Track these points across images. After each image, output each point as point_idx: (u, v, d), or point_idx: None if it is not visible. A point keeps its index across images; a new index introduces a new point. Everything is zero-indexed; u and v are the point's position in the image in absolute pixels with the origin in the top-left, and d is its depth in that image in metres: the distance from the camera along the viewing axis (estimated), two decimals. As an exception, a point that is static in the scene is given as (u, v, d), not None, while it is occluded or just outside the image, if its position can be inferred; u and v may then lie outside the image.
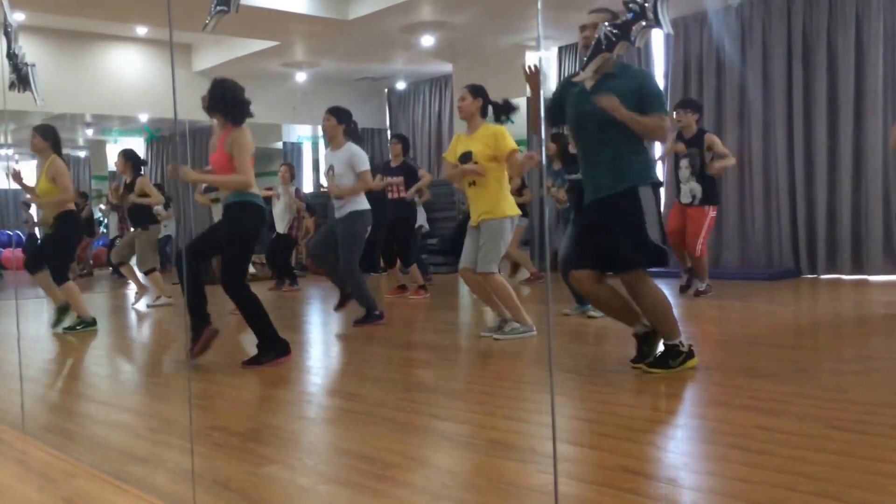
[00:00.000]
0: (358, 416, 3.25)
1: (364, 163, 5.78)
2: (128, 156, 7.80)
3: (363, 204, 5.82)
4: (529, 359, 4.43)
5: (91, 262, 13.68)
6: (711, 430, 2.85)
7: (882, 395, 3.27)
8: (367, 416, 3.23)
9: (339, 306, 6.06)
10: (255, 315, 4.38)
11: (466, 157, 5.04)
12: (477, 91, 5.17)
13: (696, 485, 2.34)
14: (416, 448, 2.80)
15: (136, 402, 3.87)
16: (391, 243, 8.01)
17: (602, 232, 3.76)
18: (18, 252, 15.28)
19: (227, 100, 4.41)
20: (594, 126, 3.75)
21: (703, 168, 6.64)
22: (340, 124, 5.79)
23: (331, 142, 5.88)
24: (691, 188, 6.68)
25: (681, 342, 3.75)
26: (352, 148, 5.80)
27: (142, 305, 7.85)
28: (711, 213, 6.73)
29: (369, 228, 5.95)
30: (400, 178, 7.86)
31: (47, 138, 5.93)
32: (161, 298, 7.77)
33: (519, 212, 5.29)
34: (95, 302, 8.68)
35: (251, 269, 10.15)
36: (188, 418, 2.80)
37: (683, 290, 6.98)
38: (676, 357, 3.73)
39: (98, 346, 5.68)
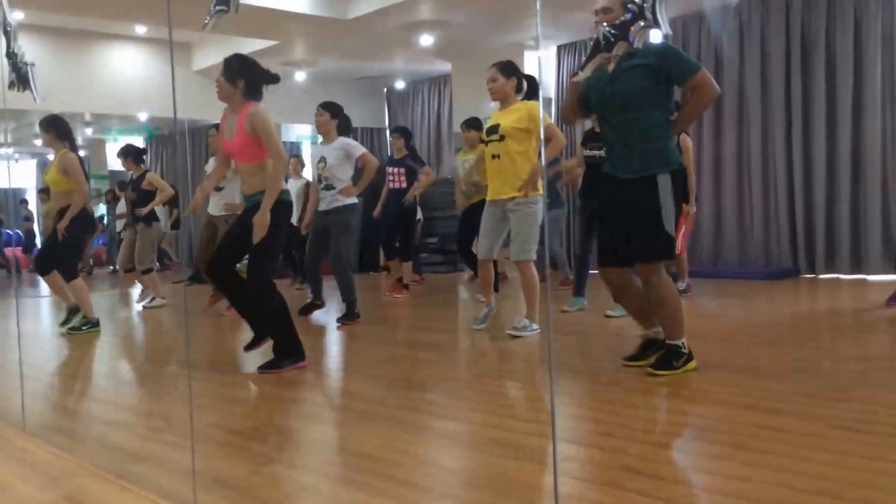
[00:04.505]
0: (359, 415, 3.26)
1: (360, 147, 6.02)
2: (129, 152, 7.78)
3: (354, 197, 5.99)
4: (530, 357, 4.43)
5: (91, 260, 13.67)
6: (711, 429, 2.86)
7: (881, 394, 3.28)
8: (368, 414, 3.24)
9: (306, 311, 6.14)
10: (280, 317, 4.18)
11: (493, 130, 4.97)
12: (510, 70, 4.95)
13: (695, 483, 2.34)
14: (417, 446, 2.80)
15: (137, 400, 3.88)
16: (392, 235, 7.99)
17: (616, 215, 3.77)
18: (18, 251, 15.31)
19: (247, 71, 4.12)
20: (617, 110, 3.73)
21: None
22: (334, 119, 5.91)
23: (324, 137, 5.97)
24: None
25: (683, 343, 3.74)
26: (344, 139, 5.94)
27: (144, 304, 7.83)
28: (683, 209, 6.76)
29: (357, 222, 6.12)
30: (400, 170, 7.85)
31: (51, 131, 5.95)
32: (155, 300, 7.68)
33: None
34: (95, 301, 8.66)
35: None
36: (189, 417, 2.80)
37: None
38: (679, 358, 3.72)
39: (99, 345, 5.68)
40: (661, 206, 3.63)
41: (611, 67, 3.72)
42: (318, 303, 6.20)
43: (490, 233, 5.09)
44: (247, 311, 4.34)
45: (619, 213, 3.76)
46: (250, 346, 4.38)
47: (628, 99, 3.66)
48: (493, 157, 4.98)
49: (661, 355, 3.76)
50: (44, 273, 6.16)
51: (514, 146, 4.87)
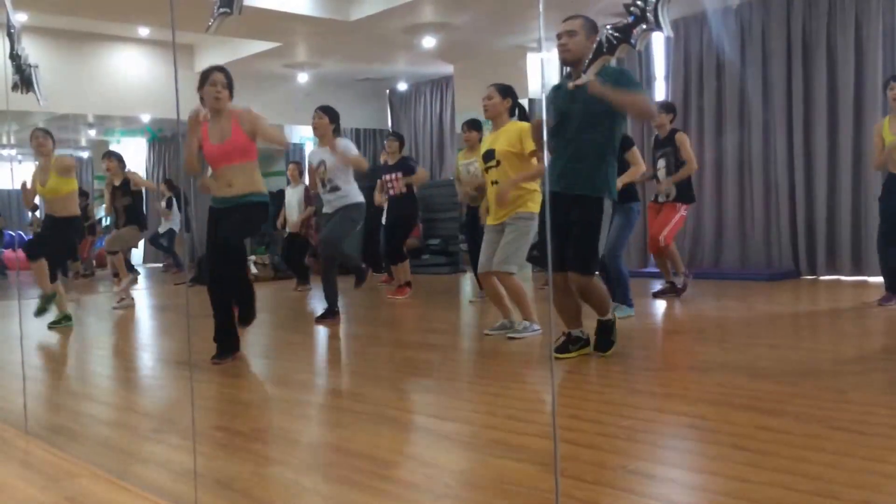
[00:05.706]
0: (360, 416, 3.26)
1: (356, 148, 6.19)
2: (121, 158, 7.96)
3: (359, 196, 6.08)
4: (530, 358, 4.44)
5: (94, 262, 13.67)
6: (711, 430, 2.86)
7: (881, 396, 3.29)
8: (368, 415, 3.25)
9: (359, 283, 6.39)
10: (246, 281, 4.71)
11: (489, 156, 4.99)
12: (506, 91, 5.10)
13: (696, 484, 2.35)
14: (417, 447, 2.81)
15: (139, 401, 3.89)
16: (392, 241, 8.02)
17: (564, 228, 4.01)
18: (21, 253, 15.32)
19: (232, 83, 4.64)
20: (571, 128, 3.97)
21: (678, 167, 6.69)
22: (332, 123, 6.00)
23: (321, 140, 6.06)
24: (667, 188, 6.74)
25: (612, 313, 4.25)
26: (344, 141, 6.04)
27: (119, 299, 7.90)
28: (683, 210, 6.76)
29: (362, 222, 6.26)
30: (397, 175, 7.91)
31: (51, 138, 6.22)
32: (124, 285, 7.80)
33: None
34: (98, 302, 8.69)
35: (253, 270, 10.17)
36: (190, 418, 2.81)
37: (658, 294, 6.99)
38: (612, 331, 4.23)
39: (100, 346, 5.69)
40: (601, 226, 4.01)
41: (572, 84, 3.95)
42: (335, 310, 6.14)
43: (489, 251, 5.09)
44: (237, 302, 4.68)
45: (566, 225, 4.01)
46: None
47: (583, 119, 3.90)
48: (493, 183, 4.99)
49: (601, 337, 4.20)
50: (34, 258, 6.20)
51: (510, 170, 4.89)
